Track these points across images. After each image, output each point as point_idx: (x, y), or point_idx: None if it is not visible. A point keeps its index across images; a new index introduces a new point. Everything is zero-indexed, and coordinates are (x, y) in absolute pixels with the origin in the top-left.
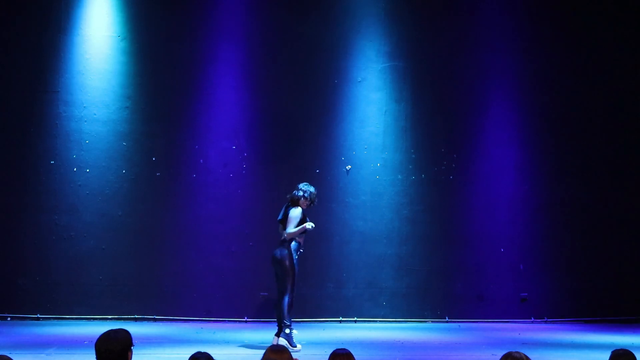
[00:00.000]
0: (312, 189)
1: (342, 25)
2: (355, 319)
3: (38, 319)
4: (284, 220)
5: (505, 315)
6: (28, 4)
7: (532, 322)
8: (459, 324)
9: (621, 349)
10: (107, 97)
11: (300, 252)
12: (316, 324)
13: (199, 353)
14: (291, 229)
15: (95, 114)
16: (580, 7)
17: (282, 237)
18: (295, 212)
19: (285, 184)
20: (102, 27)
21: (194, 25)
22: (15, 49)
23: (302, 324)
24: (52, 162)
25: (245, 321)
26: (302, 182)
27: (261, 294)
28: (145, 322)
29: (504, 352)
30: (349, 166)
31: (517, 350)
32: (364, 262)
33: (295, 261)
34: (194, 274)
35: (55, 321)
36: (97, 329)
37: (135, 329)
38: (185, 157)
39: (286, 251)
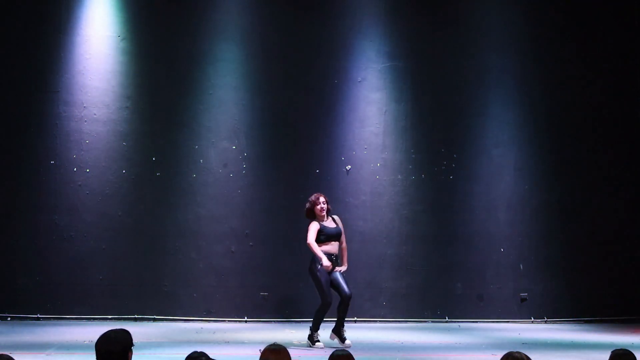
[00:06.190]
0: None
1: (342, 25)
2: (355, 319)
3: (38, 319)
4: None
5: (505, 315)
6: (28, 4)
7: (532, 322)
8: (459, 324)
9: (621, 349)
10: (107, 97)
11: (332, 258)
12: None
13: (195, 353)
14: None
15: (95, 114)
16: (580, 7)
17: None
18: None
19: (285, 184)
20: (102, 27)
21: (194, 26)
22: (15, 49)
23: (302, 324)
24: (52, 162)
25: (245, 321)
26: (302, 182)
27: (261, 294)
28: (145, 322)
29: (504, 352)
30: (349, 166)
31: (517, 350)
32: (364, 262)
33: (318, 271)
34: (194, 274)
35: (55, 321)
36: (97, 329)
37: (135, 329)
38: (185, 157)
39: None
